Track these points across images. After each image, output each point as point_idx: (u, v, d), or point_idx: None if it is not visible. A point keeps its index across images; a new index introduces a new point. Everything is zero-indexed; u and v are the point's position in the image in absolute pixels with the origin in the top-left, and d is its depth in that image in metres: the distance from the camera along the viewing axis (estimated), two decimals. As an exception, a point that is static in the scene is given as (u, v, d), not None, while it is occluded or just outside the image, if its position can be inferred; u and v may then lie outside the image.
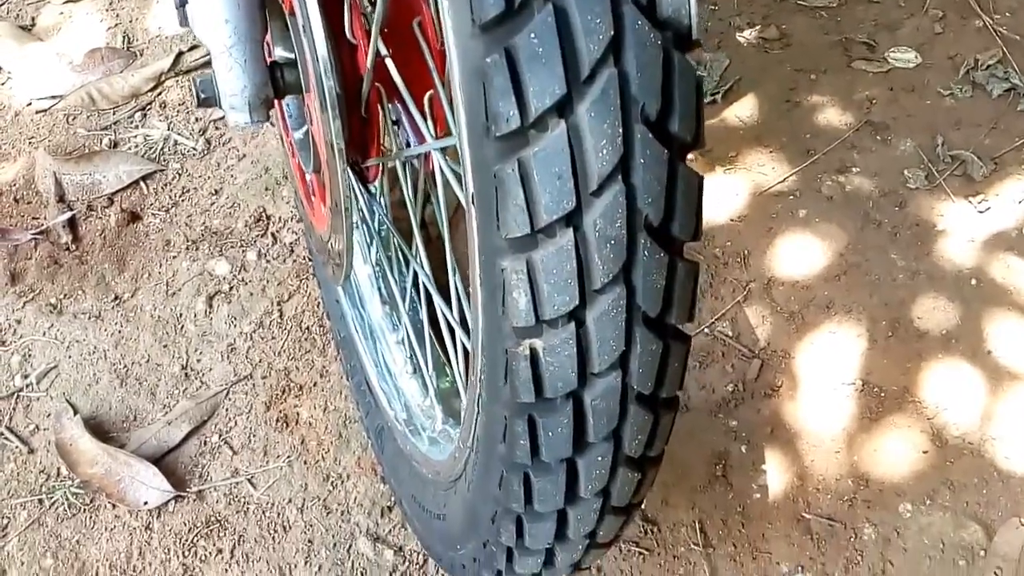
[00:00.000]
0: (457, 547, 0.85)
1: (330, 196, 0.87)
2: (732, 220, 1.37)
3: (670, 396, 0.61)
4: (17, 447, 1.27)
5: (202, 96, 0.89)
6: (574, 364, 0.56)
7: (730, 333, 1.28)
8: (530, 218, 0.52)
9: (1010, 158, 1.40)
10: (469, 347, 0.82)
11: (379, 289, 1.20)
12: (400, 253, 1.10)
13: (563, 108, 0.51)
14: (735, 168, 1.41)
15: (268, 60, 0.88)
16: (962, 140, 1.42)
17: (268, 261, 1.41)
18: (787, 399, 1.22)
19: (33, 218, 1.51)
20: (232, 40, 0.84)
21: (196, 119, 1.58)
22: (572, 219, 0.53)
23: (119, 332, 1.37)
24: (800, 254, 1.33)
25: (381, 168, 0.96)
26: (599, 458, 0.62)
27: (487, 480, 0.70)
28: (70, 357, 1.35)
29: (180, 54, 1.62)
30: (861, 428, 1.19)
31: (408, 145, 1.02)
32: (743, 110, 1.47)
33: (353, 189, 0.93)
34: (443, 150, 0.79)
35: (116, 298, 1.41)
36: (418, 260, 0.91)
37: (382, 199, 1.05)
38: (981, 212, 1.34)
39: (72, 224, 1.48)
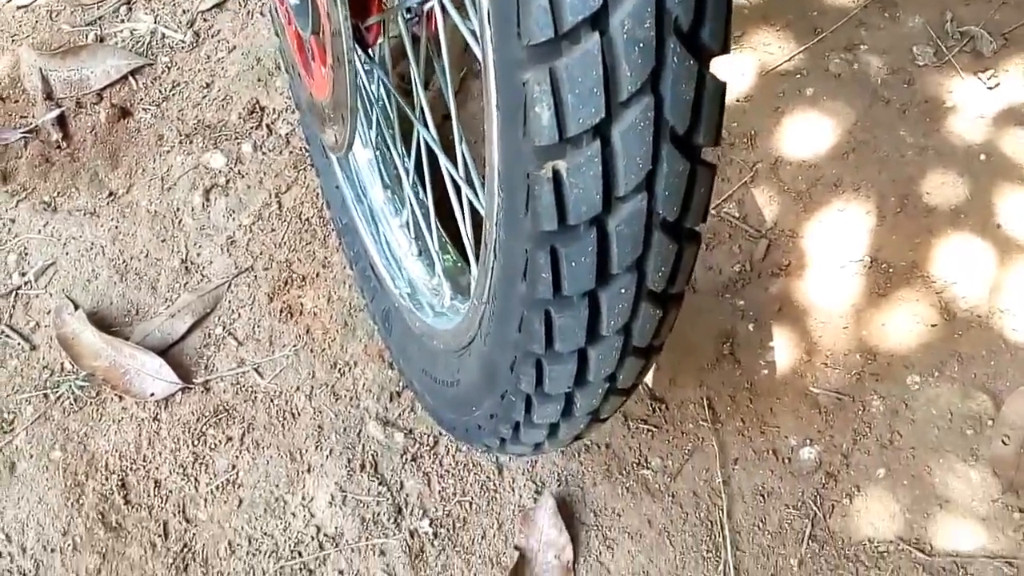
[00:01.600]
0: (472, 409, 0.84)
1: (331, 53, 0.84)
2: (738, 100, 1.34)
3: (694, 226, 0.60)
4: (19, 343, 1.26)
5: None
6: (599, 186, 0.54)
7: (737, 214, 1.26)
8: (554, 20, 0.50)
9: (1020, 34, 1.37)
10: (478, 204, 0.80)
11: (380, 173, 1.18)
12: (402, 130, 1.08)
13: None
14: (741, 48, 1.38)
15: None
16: (971, 16, 1.38)
17: (264, 153, 1.38)
18: (795, 278, 1.21)
19: (21, 116, 1.47)
20: None
21: (184, 11, 1.53)
22: (598, 21, 0.50)
23: (116, 228, 1.35)
24: (807, 133, 1.30)
25: (382, 30, 0.93)
26: (622, 291, 0.61)
27: (505, 328, 0.69)
28: (67, 254, 1.33)
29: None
30: (869, 304, 1.19)
31: (409, 11, 0.99)
32: (748, -10, 1.43)
33: (355, 48, 0.90)
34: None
35: (111, 194, 1.38)
36: (422, 120, 0.89)
37: (384, 67, 1.02)
38: (990, 88, 1.32)
39: (61, 121, 1.44)
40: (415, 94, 0.89)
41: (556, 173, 0.54)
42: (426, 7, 0.91)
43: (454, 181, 0.84)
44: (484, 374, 0.77)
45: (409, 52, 0.88)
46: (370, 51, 0.96)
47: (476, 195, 0.81)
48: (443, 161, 0.84)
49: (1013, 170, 1.26)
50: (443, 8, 0.78)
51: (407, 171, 1.04)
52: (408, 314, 1.02)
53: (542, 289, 0.61)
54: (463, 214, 0.86)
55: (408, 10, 0.96)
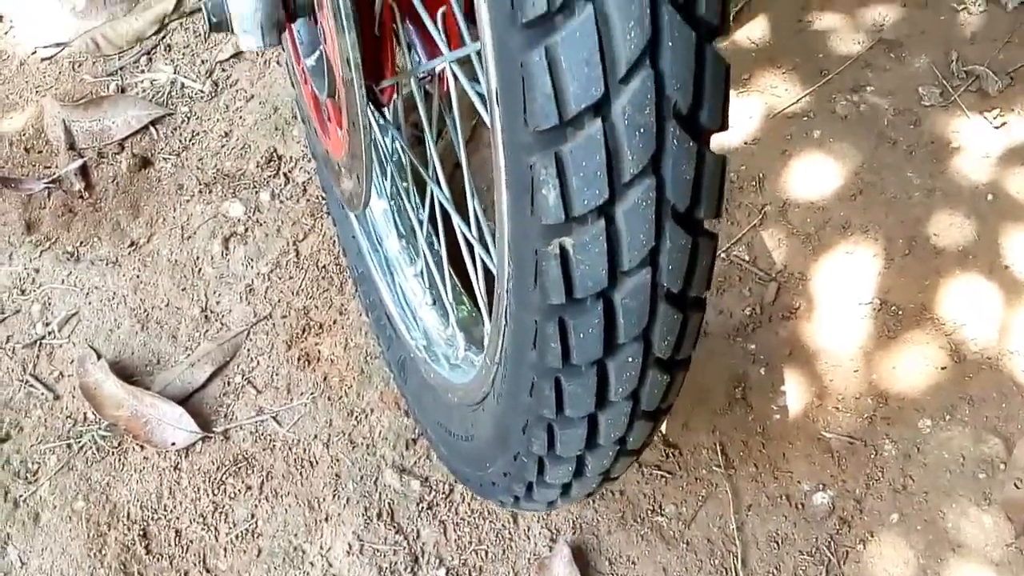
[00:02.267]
0: (487, 465, 0.85)
1: (347, 117, 0.86)
2: (746, 143, 1.36)
3: (699, 295, 0.61)
4: (43, 394, 1.29)
5: (214, 20, 0.88)
6: (604, 261, 0.56)
7: (746, 257, 1.27)
8: (558, 108, 0.52)
9: (1026, 73, 1.38)
10: (489, 263, 0.82)
11: (395, 223, 1.20)
12: (416, 182, 1.10)
13: (589, -8, 0.50)
14: (748, 90, 1.40)
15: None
16: (976, 55, 1.40)
17: (281, 201, 1.41)
18: (805, 321, 1.22)
19: (45, 167, 1.50)
20: (241, -38, 0.83)
21: (202, 61, 1.57)
22: (601, 108, 0.52)
23: (137, 277, 1.38)
24: (815, 175, 1.32)
25: (395, 91, 0.95)
26: (629, 359, 0.62)
27: (517, 391, 0.71)
28: (90, 303, 1.36)
29: (182, -3, 1.60)
30: (879, 347, 1.19)
31: (420, 64, 1.01)
32: (755, 31, 1.45)
33: (370, 108, 0.92)
34: (459, 63, 0.78)
35: (132, 244, 1.41)
36: (435, 179, 0.91)
37: (397, 124, 1.04)
38: (997, 127, 1.33)
39: (84, 171, 1.48)
40: (428, 152, 0.91)
41: (563, 250, 0.56)
42: (438, 68, 0.93)
43: (467, 239, 0.86)
44: (497, 433, 0.79)
45: (421, 111, 0.90)
46: (384, 110, 0.98)
47: (488, 254, 0.83)
48: (456, 220, 0.86)
49: (1020, 210, 1.26)
50: (454, 74, 0.81)
51: (420, 223, 1.06)
52: (423, 365, 1.04)
53: (551, 358, 0.62)
54: (476, 271, 0.88)
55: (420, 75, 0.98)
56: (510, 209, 0.59)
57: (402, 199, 1.17)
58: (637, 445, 0.72)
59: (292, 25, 0.94)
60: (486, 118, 0.60)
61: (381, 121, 0.99)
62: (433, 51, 0.87)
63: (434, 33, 0.81)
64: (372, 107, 0.96)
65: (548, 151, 0.54)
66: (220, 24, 0.87)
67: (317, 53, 0.98)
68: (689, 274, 0.59)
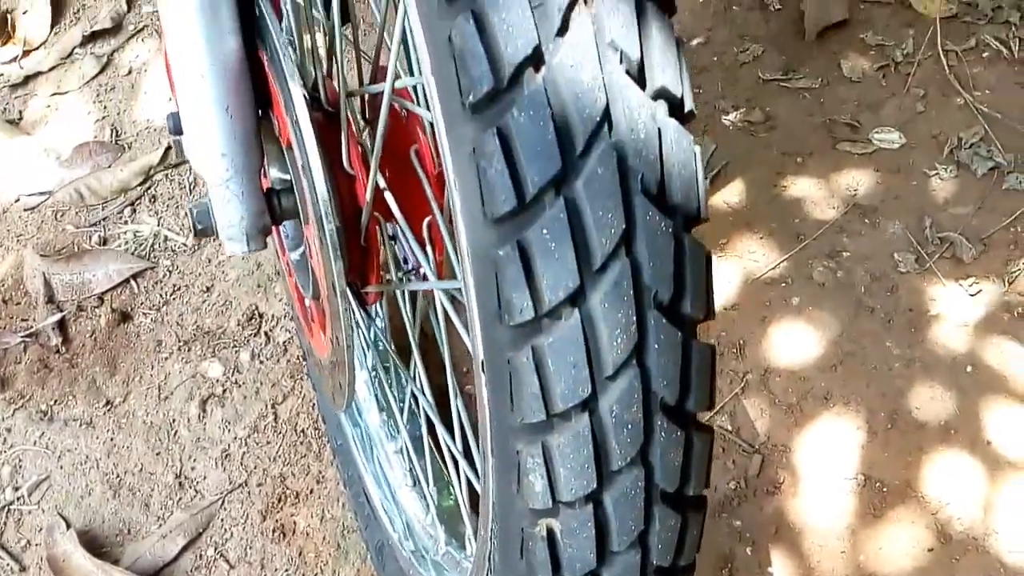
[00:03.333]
0: None
1: (331, 329, 0.86)
2: (726, 309, 1.37)
3: (688, 563, 0.61)
4: (8, 565, 1.24)
5: (199, 227, 0.88)
6: (593, 545, 0.55)
7: (730, 427, 1.27)
8: (545, 405, 0.52)
9: (998, 238, 1.41)
10: (475, 480, 0.81)
11: (376, 396, 1.19)
12: (397, 369, 1.09)
13: (576, 298, 0.50)
14: (726, 255, 1.42)
15: (264, 186, 0.88)
16: (950, 221, 1.43)
17: (261, 362, 1.40)
18: (790, 496, 1.21)
19: (22, 320, 1.49)
20: (229, 173, 0.83)
21: (186, 213, 1.57)
22: (588, 404, 0.52)
23: (111, 440, 1.35)
24: (795, 343, 1.33)
25: (381, 293, 0.95)
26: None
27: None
28: (62, 467, 1.33)
29: (169, 148, 1.62)
30: (865, 525, 1.18)
31: (406, 262, 1.02)
32: (731, 195, 1.48)
33: (356, 320, 0.92)
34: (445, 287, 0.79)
35: (108, 403, 1.39)
36: (418, 385, 0.90)
37: (379, 318, 1.05)
38: (972, 295, 1.35)
39: (62, 325, 1.47)
40: (412, 357, 0.91)
41: (550, 531, 0.55)
42: (424, 289, 0.93)
43: (452, 454, 0.85)
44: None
45: (406, 318, 0.90)
46: (368, 309, 0.98)
47: (472, 469, 0.82)
48: (440, 432, 0.85)
49: (998, 383, 1.28)
50: (443, 301, 0.81)
51: (402, 403, 1.05)
52: (401, 558, 1.02)
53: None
54: (460, 487, 0.87)
55: (406, 268, 0.99)
56: (497, 483, 0.58)
57: (382, 376, 1.17)
58: None
59: (277, 224, 0.94)
60: (470, 348, 0.60)
61: (365, 319, 0.99)
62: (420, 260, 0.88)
63: (419, 254, 0.81)
64: (357, 304, 0.96)
65: (535, 440, 0.53)
66: (205, 231, 0.88)
67: (302, 249, 0.99)
68: (679, 549, 0.58)
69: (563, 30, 0.46)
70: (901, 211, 1.44)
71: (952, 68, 1.57)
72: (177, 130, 0.87)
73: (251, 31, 0.80)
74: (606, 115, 0.47)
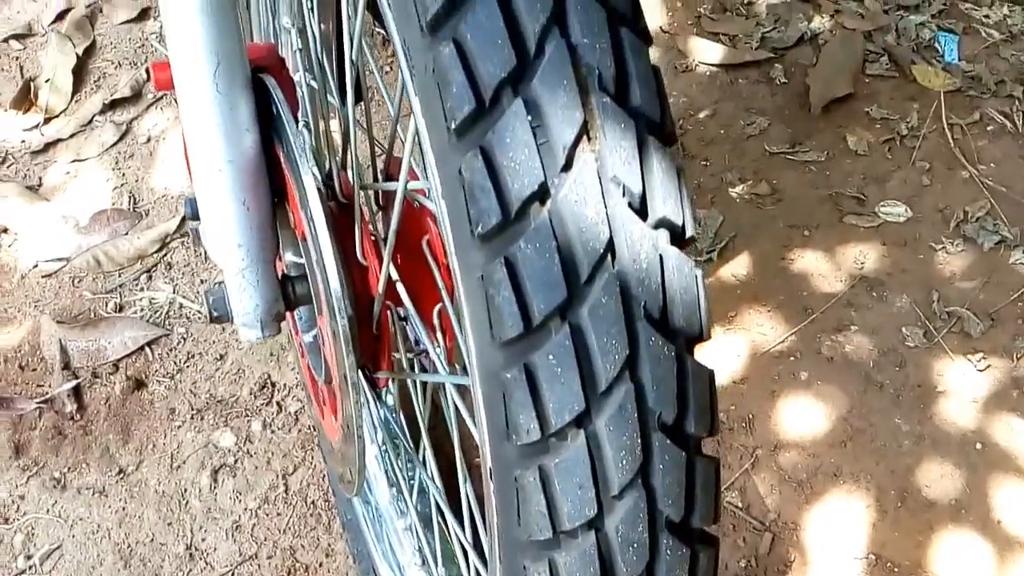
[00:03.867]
0: None
1: (342, 414, 0.87)
2: (735, 382, 1.38)
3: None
4: (17, 636, 1.25)
5: (215, 314, 0.90)
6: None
7: (740, 504, 1.27)
8: (552, 524, 0.53)
9: (1006, 313, 1.42)
10: (482, 571, 0.81)
11: (386, 472, 1.20)
12: (407, 451, 1.10)
13: (582, 420, 0.52)
14: (735, 328, 1.43)
15: (279, 270, 0.89)
16: (957, 295, 1.44)
17: (273, 431, 1.41)
18: None
19: (38, 385, 1.51)
20: (245, 263, 0.85)
21: (202, 281, 1.60)
22: (594, 523, 0.53)
23: (123, 509, 1.36)
24: (804, 418, 1.33)
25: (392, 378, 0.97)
26: None
27: None
28: (74, 536, 1.34)
29: (185, 216, 1.65)
30: (876, 605, 1.18)
31: (417, 343, 1.04)
32: (739, 268, 1.50)
33: (366, 398, 0.94)
34: (455, 371, 0.80)
35: (120, 471, 1.40)
36: (428, 471, 0.91)
37: (390, 396, 1.06)
38: (981, 371, 1.36)
39: (77, 392, 1.48)
40: (421, 445, 0.92)
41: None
42: (435, 380, 0.94)
43: (460, 543, 0.85)
44: None
45: (417, 405, 0.92)
46: (379, 392, 1.00)
47: (482, 560, 0.82)
48: (450, 519, 0.86)
49: (1008, 461, 1.27)
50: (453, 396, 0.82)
51: (411, 488, 1.06)
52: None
53: None
54: (468, 570, 0.87)
55: (417, 350, 1.00)
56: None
57: (391, 454, 1.17)
58: None
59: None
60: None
61: (375, 401, 1.01)
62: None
63: (429, 347, 0.83)
64: (368, 386, 0.97)
65: (542, 557, 0.54)
66: (221, 317, 0.90)
67: (315, 331, 1.00)
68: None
69: (567, 167, 0.48)
70: (908, 285, 1.46)
71: (957, 142, 1.59)
72: (194, 215, 0.89)
73: (267, 126, 0.82)
74: (609, 246, 0.49)
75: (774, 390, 1.36)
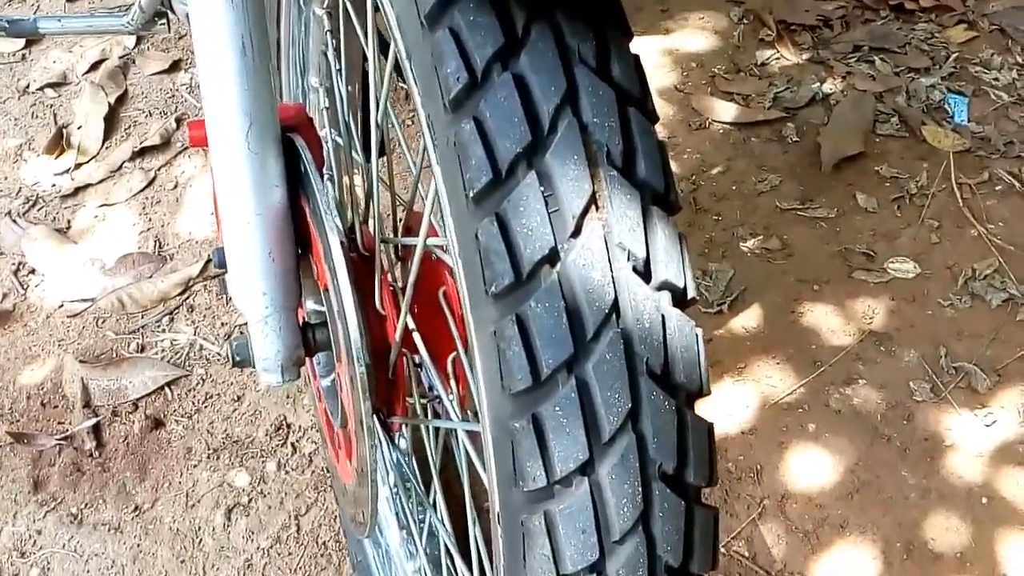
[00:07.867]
0: None
1: (356, 459, 0.90)
2: (743, 433, 1.40)
3: None
4: (30, 671, 1.27)
5: (237, 359, 0.93)
6: None
7: (746, 553, 1.28)
8: (556, 567, 0.55)
9: (1012, 369, 1.44)
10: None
11: (396, 514, 1.22)
12: (417, 494, 1.13)
13: (586, 469, 0.54)
14: (744, 379, 1.45)
15: (300, 317, 0.93)
16: (964, 351, 1.46)
17: (287, 472, 1.44)
18: (805, 627, 1.21)
19: (59, 423, 1.54)
20: (269, 311, 0.89)
21: (222, 324, 1.64)
22: (596, 567, 0.56)
23: (138, 546, 1.38)
24: (812, 470, 1.35)
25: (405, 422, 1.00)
26: None
27: None
28: (88, 572, 1.36)
29: (208, 260, 1.70)
30: (881, 660, 1.18)
31: (431, 389, 1.06)
32: (749, 320, 1.52)
33: (379, 441, 0.96)
34: (468, 429, 0.83)
35: (136, 508, 1.43)
36: (439, 515, 0.94)
37: (403, 439, 1.09)
38: (988, 426, 1.37)
39: (97, 430, 1.52)
40: (432, 487, 0.94)
41: None
42: (447, 427, 0.97)
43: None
44: None
45: (430, 450, 0.94)
46: (393, 435, 1.02)
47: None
48: (458, 562, 0.88)
49: (1014, 515, 1.28)
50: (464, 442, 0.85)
51: (421, 531, 1.08)
52: None
53: None
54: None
55: (431, 396, 1.03)
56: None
57: (402, 496, 1.20)
58: None
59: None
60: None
61: (389, 444, 1.03)
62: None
63: (443, 394, 0.86)
64: (382, 430, 1.00)
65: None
66: (243, 362, 0.93)
67: (333, 376, 1.03)
68: None
69: (576, 233, 0.51)
70: (916, 340, 1.48)
71: (966, 201, 1.62)
72: (221, 264, 0.93)
73: (295, 182, 0.86)
74: (614, 307, 0.52)
75: (782, 441, 1.38)
